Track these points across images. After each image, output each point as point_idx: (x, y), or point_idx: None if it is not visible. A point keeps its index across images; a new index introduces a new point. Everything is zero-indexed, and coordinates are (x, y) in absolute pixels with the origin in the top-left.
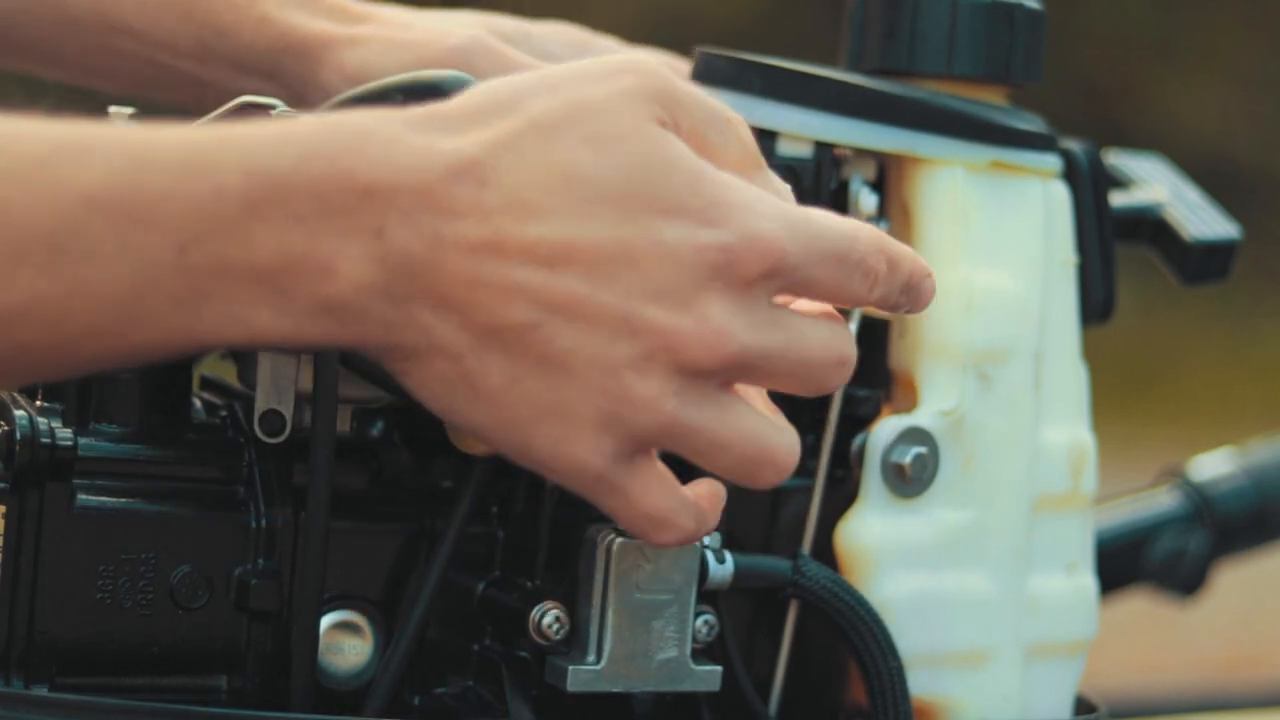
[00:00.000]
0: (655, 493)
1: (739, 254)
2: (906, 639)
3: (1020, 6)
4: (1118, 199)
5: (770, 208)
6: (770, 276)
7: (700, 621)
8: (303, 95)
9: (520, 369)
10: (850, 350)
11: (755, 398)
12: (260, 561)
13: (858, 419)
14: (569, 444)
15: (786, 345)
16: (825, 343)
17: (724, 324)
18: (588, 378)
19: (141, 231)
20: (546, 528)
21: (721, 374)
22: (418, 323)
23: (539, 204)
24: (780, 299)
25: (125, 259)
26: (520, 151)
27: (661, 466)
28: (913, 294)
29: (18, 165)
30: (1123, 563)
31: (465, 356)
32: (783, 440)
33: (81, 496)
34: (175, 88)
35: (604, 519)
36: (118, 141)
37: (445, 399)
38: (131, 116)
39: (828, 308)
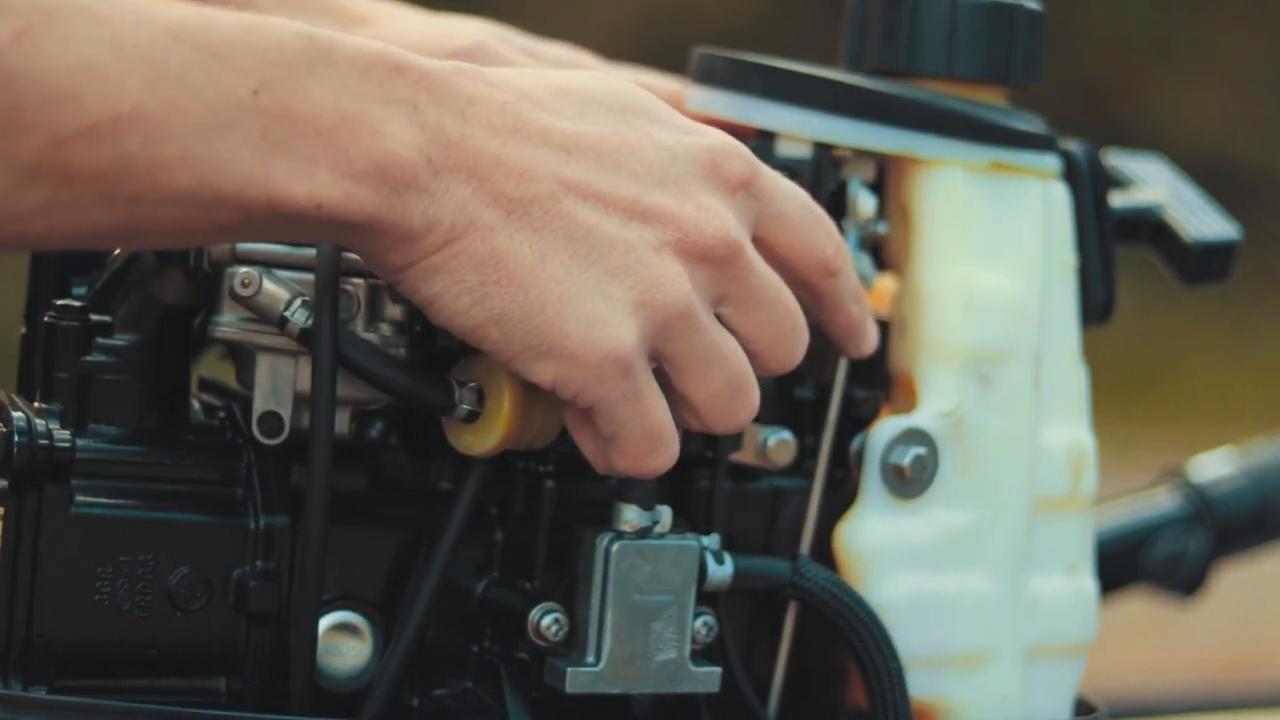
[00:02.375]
0: (662, 406)
1: (723, 155)
2: (906, 640)
3: (1020, 7)
4: (1118, 199)
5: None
6: (749, 185)
7: (699, 623)
8: None
9: (548, 245)
10: (806, 329)
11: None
12: (259, 563)
13: (857, 420)
14: (601, 325)
15: (769, 276)
16: (795, 304)
17: (722, 212)
18: (612, 256)
19: (222, 67)
20: (545, 529)
21: (724, 265)
22: (454, 196)
23: (545, 101)
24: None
25: (210, 90)
26: (518, 72)
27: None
28: (863, 306)
29: None
30: (1123, 563)
31: (497, 232)
32: (754, 376)
33: (80, 498)
34: None
35: (602, 521)
36: (180, 2)
37: (476, 289)
38: None
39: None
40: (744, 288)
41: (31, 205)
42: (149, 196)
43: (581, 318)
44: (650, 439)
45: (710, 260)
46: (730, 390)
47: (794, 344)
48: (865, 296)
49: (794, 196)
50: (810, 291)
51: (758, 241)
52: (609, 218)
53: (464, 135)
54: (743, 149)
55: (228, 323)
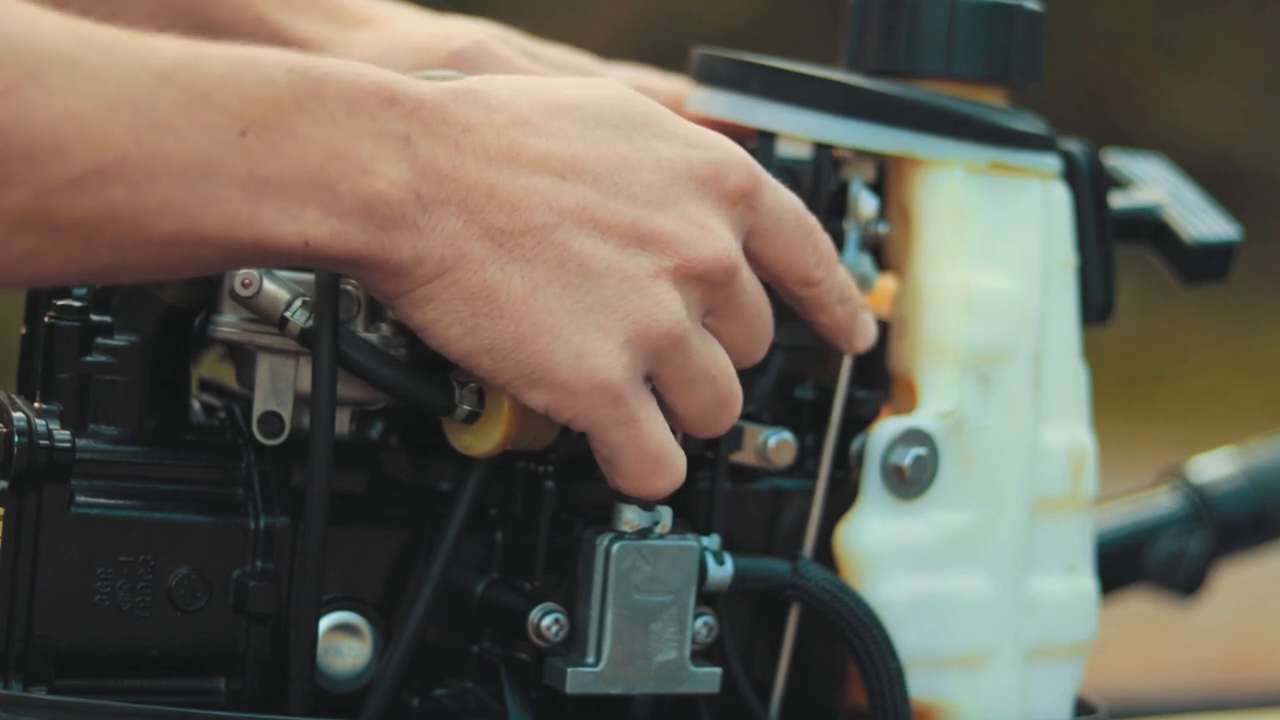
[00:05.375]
0: (660, 426)
1: (725, 168)
2: (906, 641)
3: (1020, 8)
4: (1118, 200)
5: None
6: (749, 198)
7: (700, 623)
8: None
9: (540, 277)
10: (772, 333)
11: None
12: (259, 564)
13: (857, 420)
14: (591, 356)
15: (756, 293)
16: (770, 313)
17: (720, 231)
18: (606, 285)
19: (208, 110)
20: (545, 529)
21: (719, 287)
22: (444, 230)
23: (542, 124)
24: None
25: (196, 133)
26: (516, 87)
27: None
28: (849, 307)
29: (97, 39)
30: (1123, 564)
31: (487, 265)
32: (740, 388)
33: (80, 498)
34: None
35: (602, 520)
36: (173, 40)
37: (467, 320)
38: None
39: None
40: (732, 305)
41: (17, 254)
42: (134, 241)
43: (572, 349)
44: (648, 460)
45: (706, 281)
46: (716, 404)
47: (762, 347)
48: (856, 296)
49: (790, 210)
50: (792, 298)
51: (745, 250)
52: (605, 244)
53: (456, 166)
54: (746, 160)
55: (228, 323)
